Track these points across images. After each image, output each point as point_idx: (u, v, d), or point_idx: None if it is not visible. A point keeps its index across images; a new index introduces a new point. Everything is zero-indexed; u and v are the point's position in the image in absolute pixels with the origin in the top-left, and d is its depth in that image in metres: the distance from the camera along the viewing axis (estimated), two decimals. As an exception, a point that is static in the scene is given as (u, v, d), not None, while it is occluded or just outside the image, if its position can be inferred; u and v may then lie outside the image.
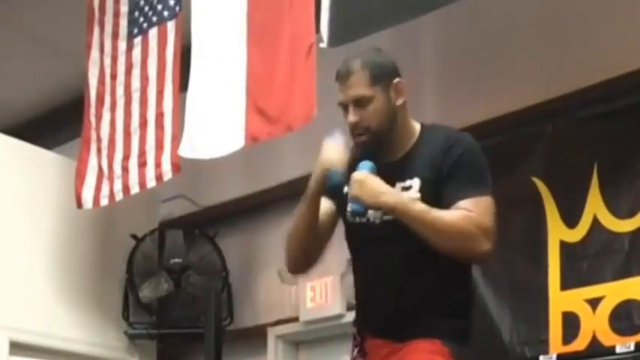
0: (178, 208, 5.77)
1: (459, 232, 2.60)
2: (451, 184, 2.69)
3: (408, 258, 2.71)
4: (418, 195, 2.69)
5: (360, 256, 2.88)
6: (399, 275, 2.73)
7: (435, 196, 2.68)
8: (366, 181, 2.66)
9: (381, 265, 2.78)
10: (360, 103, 2.75)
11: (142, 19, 4.61)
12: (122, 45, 4.68)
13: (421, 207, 2.63)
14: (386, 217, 2.71)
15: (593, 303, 4.11)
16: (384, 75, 2.77)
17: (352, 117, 2.77)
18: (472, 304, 2.81)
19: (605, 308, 4.07)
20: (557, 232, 4.27)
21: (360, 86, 2.75)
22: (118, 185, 4.61)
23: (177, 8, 4.46)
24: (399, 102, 2.77)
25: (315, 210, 2.84)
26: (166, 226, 5.62)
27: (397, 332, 2.73)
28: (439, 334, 2.68)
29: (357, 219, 2.78)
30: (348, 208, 2.72)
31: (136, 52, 4.61)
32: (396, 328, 2.73)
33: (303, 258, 2.95)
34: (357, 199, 2.66)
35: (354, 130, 2.78)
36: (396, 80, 2.78)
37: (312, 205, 2.84)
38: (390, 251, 2.75)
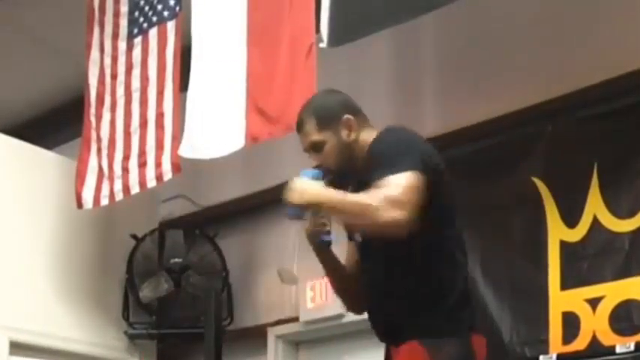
0: (178, 208, 5.77)
1: (363, 208, 2.68)
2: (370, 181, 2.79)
3: (386, 265, 2.87)
4: None
5: (362, 270, 3.03)
6: (383, 283, 2.89)
7: None
8: (294, 185, 2.82)
9: (370, 276, 2.95)
10: (315, 148, 2.97)
11: (142, 19, 4.61)
12: (122, 45, 4.68)
13: (336, 195, 2.76)
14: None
15: (593, 303, 4.11)
16: (330, 117, 2.95)
17: (312, 160, 3.02)
18: (452, 294, 2.81)
19: (605, 308, 4.07)
20: (557, 232, 4.26)
21: (310, 134, 2.97)
22: (118, 185, 4.61)
23: (177, 8, 4.46)
24: (352, 137, 2.94)
25: (329, 264, 3.07)
26: (166, 226, 5.62)
27: (390, 337, 2.88)
28: (417, 334, 2.77)
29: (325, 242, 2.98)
30: (286, 215, 2.88)
31: (136, 52, 4.61)
32: (389, 332, 2.89)
33: (353, 300, 3.13)
34: (288, 203, 2.83)
35: (325, 172, 2.96)
36: (344, 118, 2.94)
37: (322, 262, 3.06)
38: (374, 262, 2.91)
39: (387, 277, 2.86)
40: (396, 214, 2.64)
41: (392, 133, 2.91)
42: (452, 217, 2.87)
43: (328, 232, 2.98)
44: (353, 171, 2.93)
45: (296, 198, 2.80)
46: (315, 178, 2.88)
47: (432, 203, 2.73)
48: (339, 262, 3.06)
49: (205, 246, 5.47)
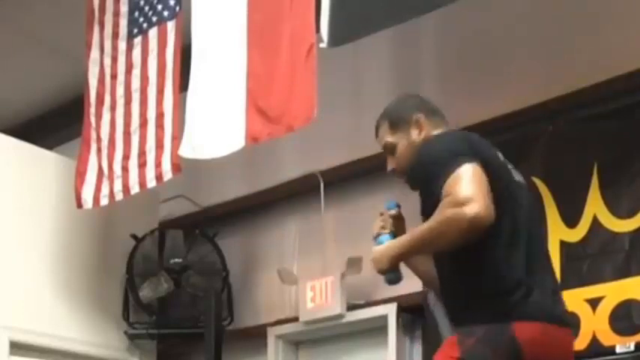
0: (178, 208, 5.77)
1: (444, 226, 2.67)
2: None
3: (439, 268, 2.90)
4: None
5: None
6: (442, 283, 2.92)
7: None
8: (374, 256, 2.89)
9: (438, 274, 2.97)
10: (389, 150, 3.02)
11: (142, 19, 4.61)
12: (122, 45, 4.68)
13: (410, 237, 2.81)
14: None
15: (593, 303, 4.11)
16: (401, 119, 3.00)
17: (388, 165, 3.05)
18: (493, 284, 2.75)
19: (605, 308, 4.07)
20: (557, 232, 4.27)
21: (384, 137, 3.03)
22: (118, 185, 4.60)
23: (177, 8, 4.45)
24: (422, 136, 2.95)
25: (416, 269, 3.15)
26: (166, 226, 5.62)
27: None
28: (459, 327, 2.78)
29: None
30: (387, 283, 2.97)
31: (136, 52, 4.61)
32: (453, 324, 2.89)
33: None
34: (381, 273, 2.92)
35: (394, 175, 3.05)
36: (414, 117, 2.97)
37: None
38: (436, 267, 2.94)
39: (443, 279, 2.90)
40: (476, 208, 2.61)
41: (436, 139, 2.91)
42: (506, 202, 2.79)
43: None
44: None
45: (383, 266, 2.86)
46: (392, 207, 3.04)
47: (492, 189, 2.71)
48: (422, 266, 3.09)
49: (205, 246, 5.46)
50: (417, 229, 2.77)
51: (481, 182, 2.67)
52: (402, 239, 2.85)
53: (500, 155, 2.91)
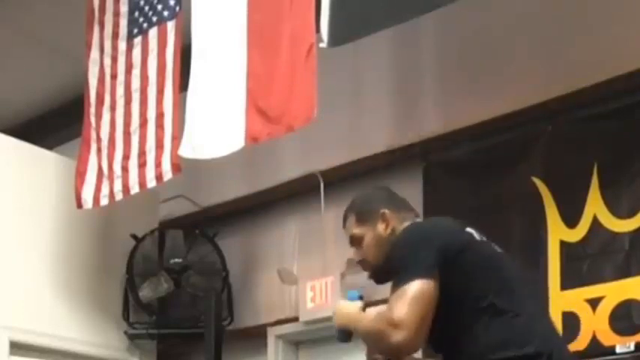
0: (178, 208, 5.77)
1: (371, 334, 2.82)
2: None
3: (438, 343, 2.88)
4: None
5: None
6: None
7: None
8: (335, 309, 3.02)
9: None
10: (355, 242, 3.09)
11: (142, 19, 4.61)
12: (122, 45, 4.68)
13: (357, 318, 2.91)
14: None
15: (593, 303, 4.11)
16: (368, 212, 3.06)
17: (353, 256, 3.12)
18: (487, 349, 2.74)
19: (605, 308, 4.07)
20: (557, 232, 4.27)
21: (350, 228, 3.10)
22: (118, 185, 4.60)
23: (177, 8, 4.45)
24: (388, 231, 3.01)
25: None
26: (166, 226, 5.62)
27: None
28: None
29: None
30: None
31: (136, 52, 4.61)
32: None
33: None
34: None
35: (360, 267, 3.13)
36: (381, 211, 3.03)
37: None
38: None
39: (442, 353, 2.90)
40: (401, 336, 2.68)
41: (408, 232, 2.94)
42: (479, 279, 2.80)
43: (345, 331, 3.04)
44: None
45: (335, 322, 2.98)
46: (353, 298, 3.03)
47: (453, 288, 2.74)
48: None
49: (205, 246, 5.46)
50: (366, 317, 2.87)
51: (422, 305, 2.69)
52: (354, 316, 2.93)
53: (475, 234, 2.91)
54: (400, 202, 3.11)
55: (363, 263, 3.10)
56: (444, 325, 2.75)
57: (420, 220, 3.10)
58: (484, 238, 2.92)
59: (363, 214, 3.07)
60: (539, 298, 3.00)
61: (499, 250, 2.94)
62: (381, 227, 3.02)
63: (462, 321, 2.75)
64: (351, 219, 3.09)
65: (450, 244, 2.79)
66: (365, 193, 3.21)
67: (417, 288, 2.70)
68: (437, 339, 2.83)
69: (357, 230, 3.07)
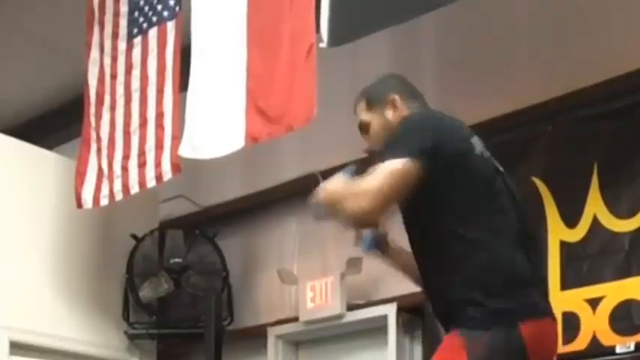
0: (178, 208, 5.77)
1: (334, 196, 2.70)
2: None
3: (424, 258, 2.82)
4: None
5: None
6: (424, 274, 2.83)
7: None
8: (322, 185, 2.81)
9: (420, 269, 2.88)
10: (364, 129, 3.00)
11: (141, 19, 4.61)
12: (122, 45, 4.68)
13: (332, 184, 2.76)
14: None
15: (593, 303, 4.11)
16: (377, 98, 2.98)
17: (364, 144, 3.01)
18: (488, 283, 2.67)
19: (605, 308, 4.07)
20: (557, 232, 4.27)
21: (360, 115, 3.02)
22: (117, 185, 4.61)
23: (177, 8, 4.45)
24: (396, 117, 2.92)
25: (392, 264, 3.10)
26: (166, 226, 5.62)
27: (442, 323, 2.79)
28: (457, 324, 2.68)
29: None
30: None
31: (136, 52, 4.61)
32: (439, 319, 2.81)
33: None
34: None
35: (368, 154, 2.99)
36: (390, 97, 2.96)
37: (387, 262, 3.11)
38: (416, 253, 2.85)
39: (426, 269, 2.82)
40: (356, 205, 2.63)
41: (408, 118, 2.89)
42: (471, 202, 2.73)
43: (374, 238, 2.99)
44: None
45: (318, 197, 2.80)
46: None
47: (436, 190, 2.68)
48: (402, 258, 3.03)
49: (205, 246, 5.46)
50: (347, 185, 2.73)
51: (392, 180, 2.64)
52: (333, 183, 2.78)
53: (477, 147, 2.83)
54: (412, 90, 3.03)
55: (370, 152, 2.99)
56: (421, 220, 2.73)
57: (427, 109, 3.00)
58: (486, 154, 2.84)
59: (372, 99, 3.00)
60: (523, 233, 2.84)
61: (498, 170, 2.86)
62: (389, 113, 2.96)
63: (431, 229, 2.72)
64: (361, 105, 3.02)
65: (445, 143, 2.71)
66: (377, 80, 3.10)
67: (394, 165, 2.65)
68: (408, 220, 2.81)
69: (365, 116, 3.00)
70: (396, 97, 2.96)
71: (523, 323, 2.65)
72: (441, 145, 2.71)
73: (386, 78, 3.10)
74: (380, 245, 3.05)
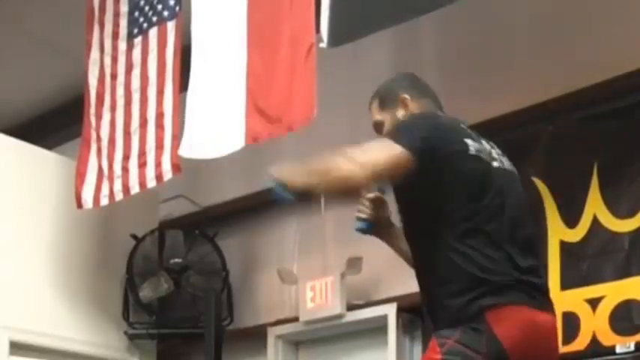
0: (178, 208, 5.77)
1: (328, 166, 2.64)
2: None
3: (415, 254, 2.82)
4: None
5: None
6: (417, 274, 2.83)
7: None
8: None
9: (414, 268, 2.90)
10: (378, 128, 3.00)
11: (142, 19, 4.61)
12: (122, 45, 4.68)
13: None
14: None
15: (593, 303, 4.11)
16: (389, 98, 3.00)
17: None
18: (463, 280, 2.66)
19: (605, 308, 4.07)
20: (557, 232, 4.27)
21: (373, 114, 3.03)
22: (118, 185, 4.61)
23: (177, 8, 4.46)
24: (406, 115, 2.93)
25: (392, 247, 3.08)
26: (166, 226, 5.62)
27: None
28: (436, 324, 2.70)
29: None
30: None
31: (136, 52, 4.62)
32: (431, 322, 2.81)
33: None
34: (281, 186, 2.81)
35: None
36: (401, 97, 2.97)
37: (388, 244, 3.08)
38: (411, 247, 2.87)
39: (417, 269, 2.83)
40: (347, 169, 2.59)
41: (410, 117, 2.91)
42: (456, 203, 2.71)
43: (365, 220, 2.97)
44: None
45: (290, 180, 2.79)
46: (363, 226, 2.94)
47: (422, 191, 2.69)
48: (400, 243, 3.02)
49: (205, 246, 5.46)
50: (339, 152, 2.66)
51: (388, 158, 2.63)
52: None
53: (471, 147, 2.80)
54: (423, 89, 3.04)
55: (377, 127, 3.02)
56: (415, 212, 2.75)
57: (439, 112, 2.99)
58: (485, 154, 2.83)
59: (384, 99, 3.01)
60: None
61: (500, 169, 2.86)
62: (400, 113, 2.97)
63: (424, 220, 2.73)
64: (374, 104, 3.04)
65: (438, 145, 2.71)
66: (389, 79, 3.11)
67: (391, 146, 2.64)
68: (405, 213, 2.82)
69: (379, 116, 3.01)
70: (407, 96, 2.97)
71: (492, 311, 2.63)
72: (435, 146, 2.71)
73: (397, 77, 3.12)
74: (377, 230, 3.03)
